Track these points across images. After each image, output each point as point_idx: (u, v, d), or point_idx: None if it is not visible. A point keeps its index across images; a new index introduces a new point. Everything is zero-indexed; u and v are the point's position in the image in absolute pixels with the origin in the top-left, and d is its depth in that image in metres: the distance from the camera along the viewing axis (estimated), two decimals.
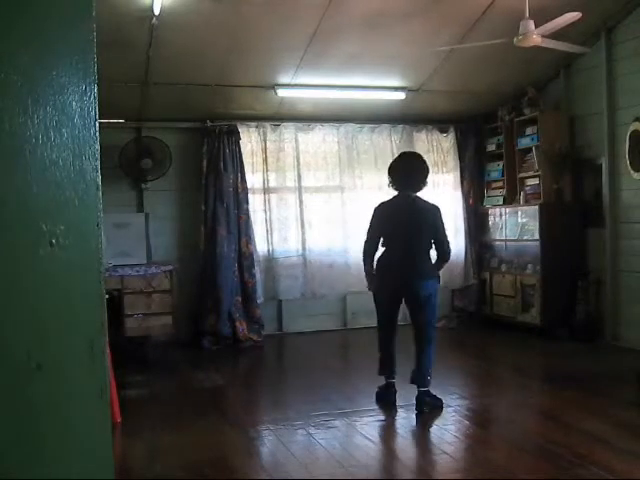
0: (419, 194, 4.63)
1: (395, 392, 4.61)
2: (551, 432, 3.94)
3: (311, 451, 3.79)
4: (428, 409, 4.39)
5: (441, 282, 4.79)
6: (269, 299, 7.23)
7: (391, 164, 4.79)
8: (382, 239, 4.62)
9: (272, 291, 7.20)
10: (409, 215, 4.55)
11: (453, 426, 4.16)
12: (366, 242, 4.68)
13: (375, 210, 4.71)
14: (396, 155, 5.27)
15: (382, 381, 4.68)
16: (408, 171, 4.61)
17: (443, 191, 7.64)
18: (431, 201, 4.70)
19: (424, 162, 4.72)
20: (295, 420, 4.31)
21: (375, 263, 4.64)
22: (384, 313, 4.66)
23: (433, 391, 4.51)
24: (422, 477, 3.44)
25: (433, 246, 4.58)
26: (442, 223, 4.61)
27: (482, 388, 5.27)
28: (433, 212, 4.58)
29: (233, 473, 3.49)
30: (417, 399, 4.42)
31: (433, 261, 4.62)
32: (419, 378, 4.46)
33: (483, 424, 4.33)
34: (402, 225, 4.54)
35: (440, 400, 4.50)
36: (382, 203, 4.72)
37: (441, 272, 4.69)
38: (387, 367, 4.63)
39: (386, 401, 4.58)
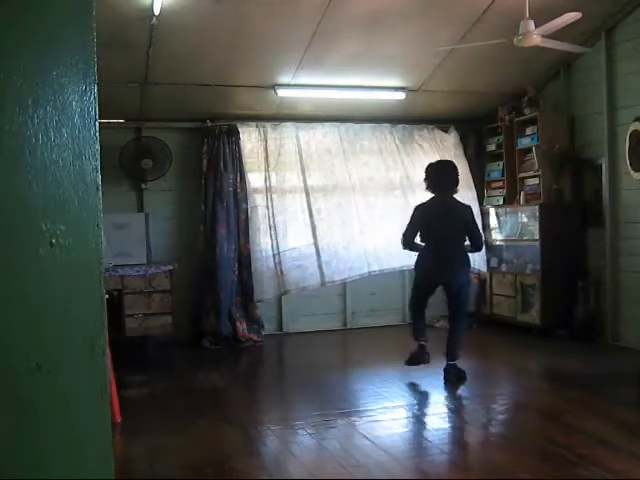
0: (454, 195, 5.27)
1: (428, 353, 5.30)
2: (551, 432, 3.94)
3: (311, 451, 3.79)
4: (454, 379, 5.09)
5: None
6: (277, 296, 7.12)
7: (427, 169, 5.37)
8: (421, 235, 5.23)
9: (283, 287, 6.94)
10: (445, 213, 5.17)
11: (453, 426, 4.16)
12: (404, 235, 5.28)
13: (416, 209, 5.33)
14: (436, 161, 5.80)
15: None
16: (442, 175, 5.24)
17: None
18: (463, 201, 5.39)
19: (455, 168, 5.34)
20: (295, 420, 4.31)
21: (418, 256, 5.28)
22: (422, 293, 5.37)
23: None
24: (422, 477, 3.44)
25: (467, 238, 5.21)
26: (474, 219, 5.28)
27: (482, 388, 5.27)
28: (465, 210, 5.24)
29: (233, 473, 3.49)
30: (445, 370, 5.14)
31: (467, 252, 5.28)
32: (450, 352, 5.16)
33: (483, 424, 4.33)
34: (440, 222, 5.14)
35: (464, 372, 5.17)
36: (422, 203, 5.34)
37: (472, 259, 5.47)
38: (421, 331, 5.34)
39: (420, 361, 5.27)
